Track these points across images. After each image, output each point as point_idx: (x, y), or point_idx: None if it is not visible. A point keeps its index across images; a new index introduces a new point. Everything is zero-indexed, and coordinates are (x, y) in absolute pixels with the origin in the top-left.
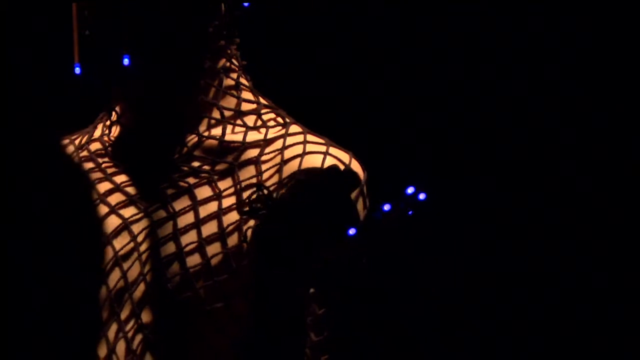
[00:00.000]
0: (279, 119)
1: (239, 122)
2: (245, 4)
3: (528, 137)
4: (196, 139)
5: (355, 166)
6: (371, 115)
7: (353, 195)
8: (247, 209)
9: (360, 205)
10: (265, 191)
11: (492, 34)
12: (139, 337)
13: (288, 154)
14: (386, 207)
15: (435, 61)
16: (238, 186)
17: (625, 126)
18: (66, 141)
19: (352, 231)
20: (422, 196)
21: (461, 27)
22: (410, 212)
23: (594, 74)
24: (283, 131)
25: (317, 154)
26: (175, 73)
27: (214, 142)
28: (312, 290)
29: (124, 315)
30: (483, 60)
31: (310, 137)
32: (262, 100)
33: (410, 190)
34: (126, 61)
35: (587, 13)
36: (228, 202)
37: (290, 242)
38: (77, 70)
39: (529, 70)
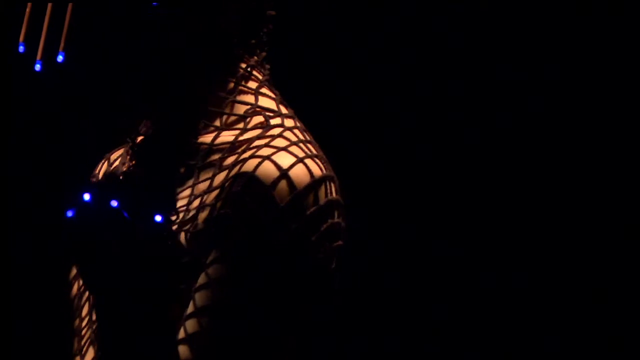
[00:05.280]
0: (266, 122)
1: (216, 124)
2: (155, 3)
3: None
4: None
5: (296, 172)
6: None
7: (284, 200)
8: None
9: (289, 213)
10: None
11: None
12: (88, 334)
13: (242, 157)
14: (69, 214)
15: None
16: (194, 188)
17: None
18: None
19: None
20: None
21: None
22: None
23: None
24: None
25: (257, 158)
26: (169, 74)
27: (195, 144)
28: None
29: (85, 311)
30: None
31: (277, 141)
32: (263, 103)
33: (86, 197)
34: (60, 57)
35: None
36: (180, 203)
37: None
38: (38, 67)
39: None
